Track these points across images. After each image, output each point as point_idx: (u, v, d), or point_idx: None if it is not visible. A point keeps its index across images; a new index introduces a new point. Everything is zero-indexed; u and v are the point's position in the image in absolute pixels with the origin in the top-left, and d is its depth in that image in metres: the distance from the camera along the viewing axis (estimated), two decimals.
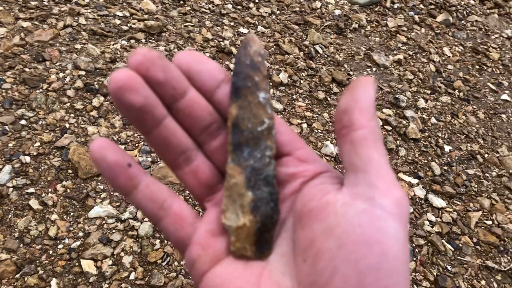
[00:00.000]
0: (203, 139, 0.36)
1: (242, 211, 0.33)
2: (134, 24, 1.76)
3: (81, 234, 1.20)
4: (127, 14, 1.80)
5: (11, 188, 1.24)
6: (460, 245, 1.41)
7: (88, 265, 1.15)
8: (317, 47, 1.95)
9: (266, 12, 2.04)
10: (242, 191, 0.33)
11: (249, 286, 0.32)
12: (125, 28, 1.74)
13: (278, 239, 0.34)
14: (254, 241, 0.33)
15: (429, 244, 1.39)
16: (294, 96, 1.73)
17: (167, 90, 0.32)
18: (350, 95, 0.31)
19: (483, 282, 1.33)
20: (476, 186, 1.60)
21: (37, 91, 1.46)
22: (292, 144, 0.35)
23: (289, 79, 1.78)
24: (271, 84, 1.74)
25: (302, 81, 1.78)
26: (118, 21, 1.75)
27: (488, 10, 2.51)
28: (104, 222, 1.23)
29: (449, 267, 1.35)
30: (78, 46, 1.62)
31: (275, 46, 1.90)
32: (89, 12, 1.75)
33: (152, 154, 1.39)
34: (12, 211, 1.20)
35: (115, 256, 1.17)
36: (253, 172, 0.33)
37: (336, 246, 0.28)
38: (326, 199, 0.31)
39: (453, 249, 1.40)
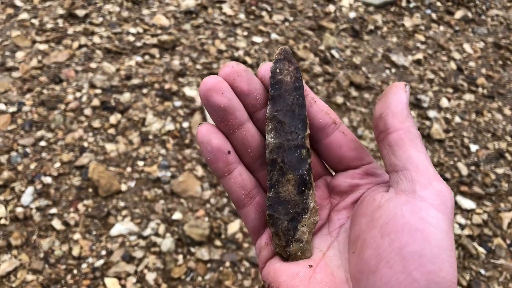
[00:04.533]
0: None
1: None
2: (147, 40, 1.77)
3: (104, 252, 1.19)
4: (140, 30, 1.81)
5: (34, 210, 1.25)
6: (493, 247, 1.36)
7: (112, 284, 1.14)
8: (333, 51, 1.92)
9: (279, 20, 2.02)
10: None
11: (305, 270, 0.36)
12: (138, 44, 1.75)
13: (337, 239, 0.38)
14: None
15: (460, 247, 1.34)
16: None
17: (250, 100, 0.37)
18: (382, 102, 0.35)
19: None
20: (506, 185, 1.54)
21: (55, 112, 1.47)
22: (360, 159, 0.39)
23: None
24: None
25: (319, 87, 1.76)
26: (131, 38, 1.77)
27: (508, 3, 2.44)
28: (126, 239, 1.22)
29: (482, 271, 1.29)
30: (93, 65, 1.64)
31: None
32: (103, 31, 1.77)
33: (172, 169, 1.38)
34: (36, 232, 1.21)
35: (138, 274, 1.17)
36: None
37: (380, 235, 0.31)
38: (372, 197, 0.35)
39: (485, 252, 1.34)
